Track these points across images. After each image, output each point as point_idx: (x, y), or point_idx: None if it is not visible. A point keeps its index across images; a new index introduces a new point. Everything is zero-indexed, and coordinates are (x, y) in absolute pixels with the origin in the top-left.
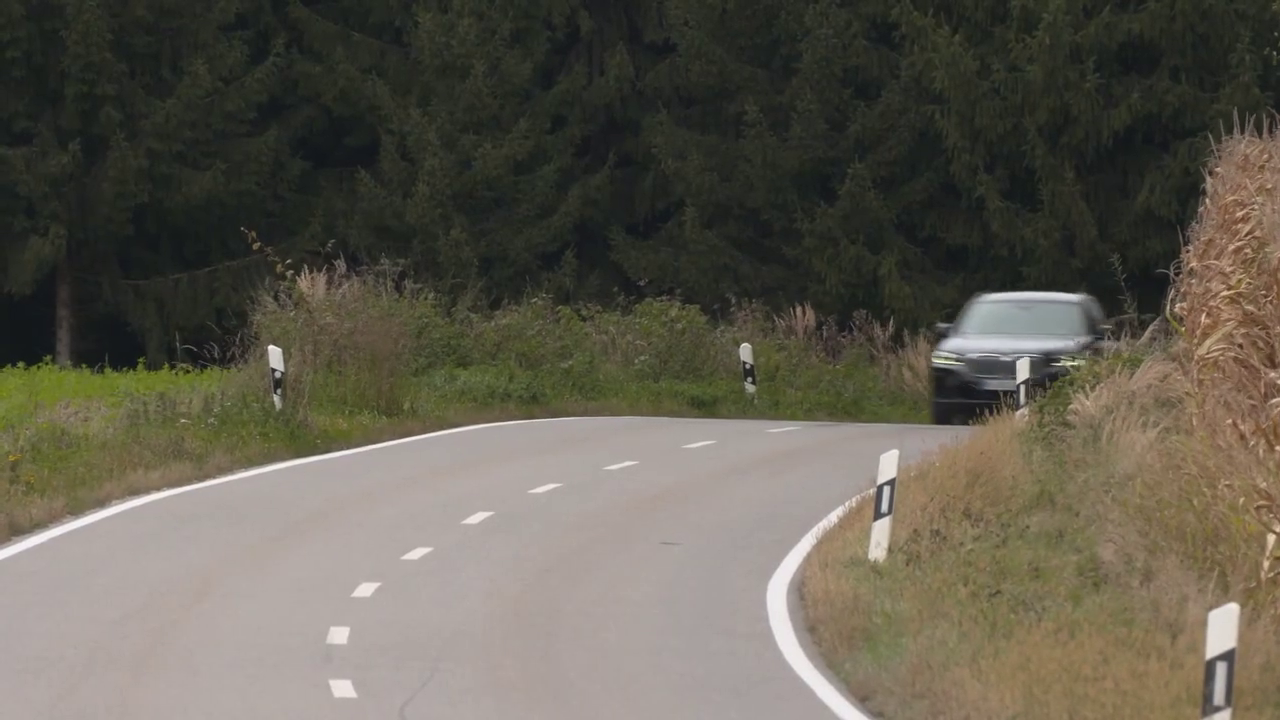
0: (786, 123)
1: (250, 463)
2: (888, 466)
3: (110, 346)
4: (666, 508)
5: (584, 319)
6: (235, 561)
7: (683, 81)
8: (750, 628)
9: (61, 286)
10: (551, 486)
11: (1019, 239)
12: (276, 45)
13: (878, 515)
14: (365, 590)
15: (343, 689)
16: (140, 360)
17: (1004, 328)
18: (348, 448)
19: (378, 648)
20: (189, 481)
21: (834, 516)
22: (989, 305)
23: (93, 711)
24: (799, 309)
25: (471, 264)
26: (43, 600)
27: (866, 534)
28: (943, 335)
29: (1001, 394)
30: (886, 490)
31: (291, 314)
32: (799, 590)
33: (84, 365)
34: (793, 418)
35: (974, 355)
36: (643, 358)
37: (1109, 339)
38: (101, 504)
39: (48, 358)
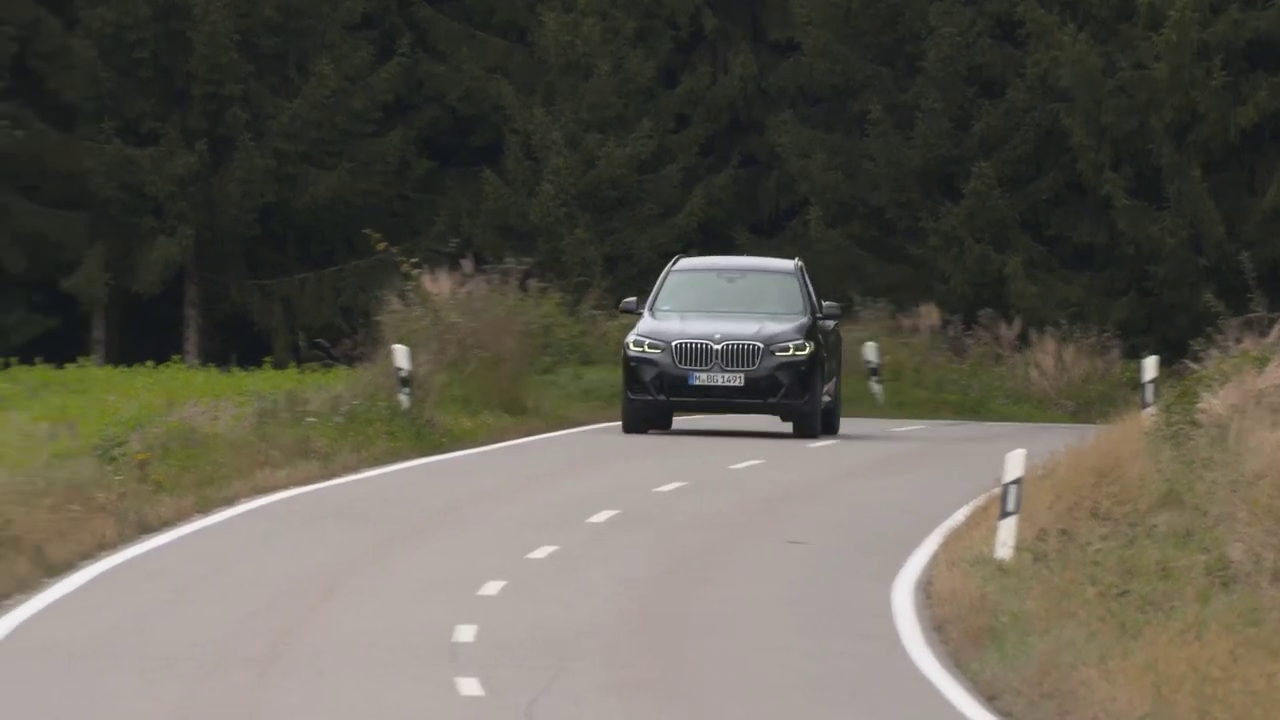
0: (910, 121)
1: (376, 461)
2: (1014, 465)
3: (237, 346)
4: (792, 506)
5: None
6: (361, 560)
7: (807, 80)
8: (876, 627)
9: (189, 286)
10: (676, 485)
11: (1145, 237)
12: (402, 45)
13: (1004, 514)
14: (491, 588)
15: (469, 687)
16: (267, 359)
17: (708, 304)
18: (472, 447)
19: (504, 646)
20: (316, 480)
21: (960, 515)
22: (686, 275)
23: (220, 709)
24: (924, 308)
25: (596, 263)
26: (171, 598)
27: (993, 533)
28: (630, 311)
29: (714, 390)
30: (1013, 489)
31: (417, 313)
32: (925, 589)
33: (212, 364)
34: (918, 417)
35: (678, 341)
36: None
37: (829, 318)
38: (229, 502)
39: (176, 357)
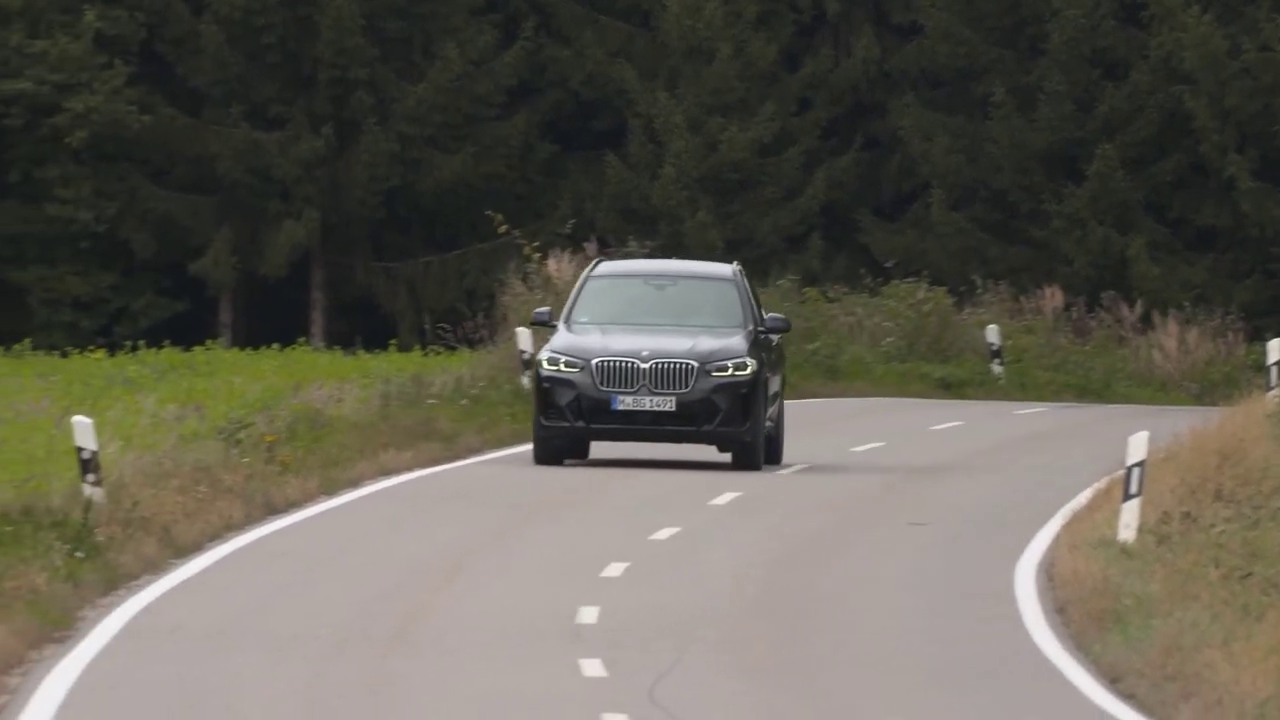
0: (1033, 104)
1: (500, 443)
2: (1137, 448)
3: (363, 328)
4: (914, 489)
5: (830, 301)
6: (485, 542)
7: (929, 63)
8: (999, 609)
9: (315, 269)
10: (798, 467)
11: (1270, 219)
12: (526, 29)
13: (1127, 496)
14: (614, 570)
15: (593, 668)
16: (392, 342)
17: (634, 315)
18: None
19: (627, 627)
20: (440, 462)
21: (1083, 498)
22: (608, 282)
23: (347, 688)
24: (1047, 290)
25: (717, 246)
26: (297, 579)
27: (1115, 515)
28: (542, 323)
29: (640, 416)
30: (1136, 471)
31: (539, 296)
32: (1047, 571)
33: (337, 347)
34: (1040, 399)
35: (599, 359)
36: (889, 339)
37: (772, 331)
38: (354, 484)
39: (302, 340)
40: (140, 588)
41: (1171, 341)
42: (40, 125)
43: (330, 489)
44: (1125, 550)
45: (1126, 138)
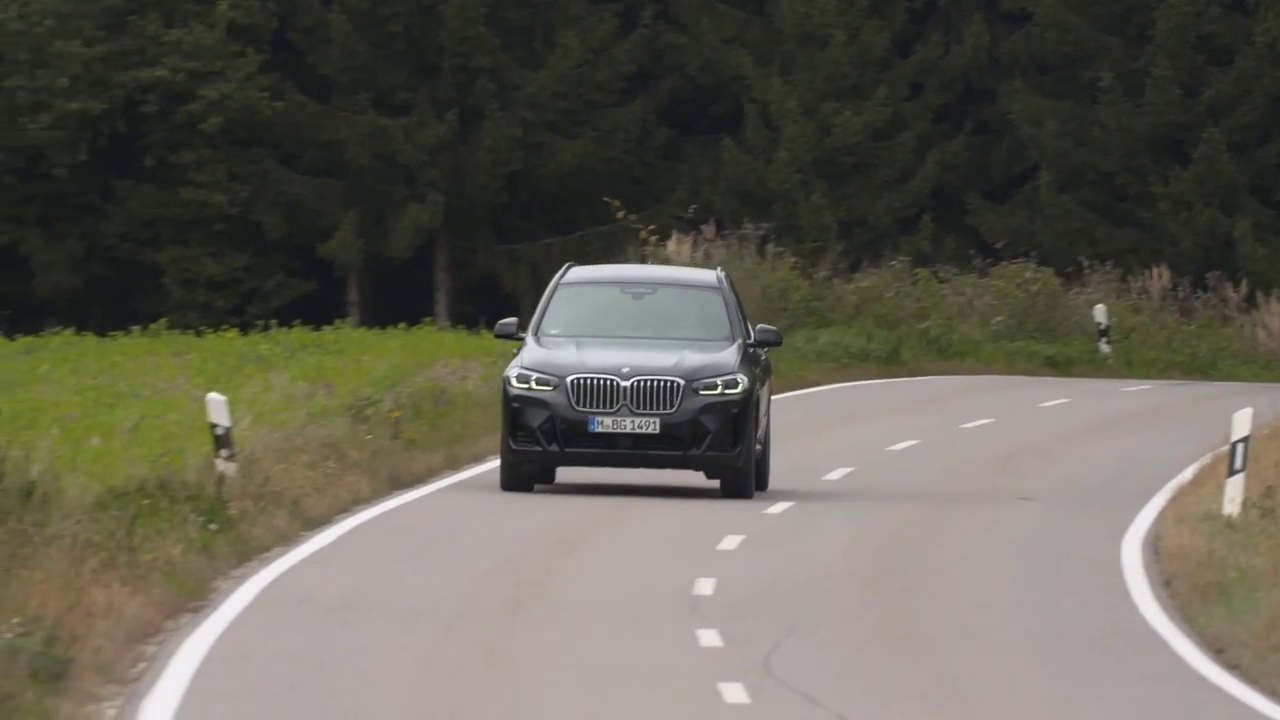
0: (1140, 89)
1: None
2: (1241, 424)
3: (486, 308)
4: (1022, 465)
5: (941, 281)
6: (604, 516)
7: (1038, 49)
8: (1105, 582)
9: (439, 251)
10: (910, 443)
11: None
12: (644, 17)
13: (1231, 471)
14: (729, 543)
15: (709, 639)
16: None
17: (610, 327)
18: None
19: (741, 599)
20: None
21: (1188, 473)
22: (580, 290)
23: (466, 659)
24: (1153, 270)
25: (831, 228)
26: (419, 553)
27: (1220, 490)
28: (509, 336)
29: (620, 440)
30: (1240, 447)
31: None
32: (1153, 545)
33: (461, 326)
34: (1146, 377)
35: (575, 375)
36: (998, 319)
37: (762, 345)
38: (478, 459)
39: (427, 319)
40: (271, 559)
41: (1276, 320)
42: (176, 112)
43: (454, 464)
44: (1230, 524)
45: (1232, 122)
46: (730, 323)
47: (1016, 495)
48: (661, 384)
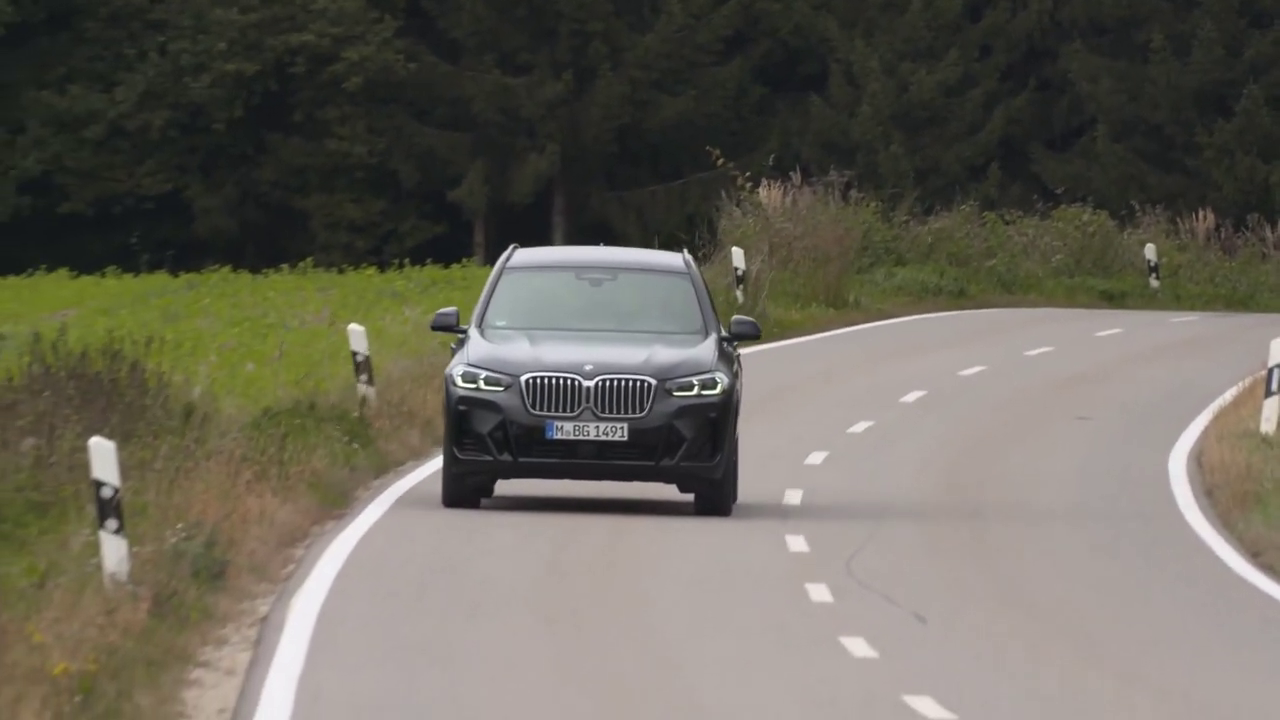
0: (1188, 49)
1: None
2: (1277, 351)
3: None
4: (1080, 388)
5: (1007, 223)
6: None
7: (1096, 13)
8: (1155, 492)
9: (556, 197)
10: (978, 369)
11: None
12: None
13: (1268, 394)
14: (815, 459)
15: (797, 544)
16: None
17: (565, 318)
18: (800, 336)
19: (826, 509)
20: None
21: (1229, 395)
22: (529, 276)
23: (584, 561)
24: (1199, 213)
25: (908, 175)
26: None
27: (1258, 410)
28: (448, 328)
29: (583, 448)
30: (1276, 372)
31: (751, 220)
32: (1197, 459)
33: None
34: (1192, 309)
35: (531, 374)
36: (1058, 257)
37: (737, 338)
38: None
39: None
40: (405, 472)
41: None
42: (321, 73)
43: None
44: (1266, 441)
45: (1271, 78)
46: (702, 313)
47: (1075, 415)
48: (630, 384)
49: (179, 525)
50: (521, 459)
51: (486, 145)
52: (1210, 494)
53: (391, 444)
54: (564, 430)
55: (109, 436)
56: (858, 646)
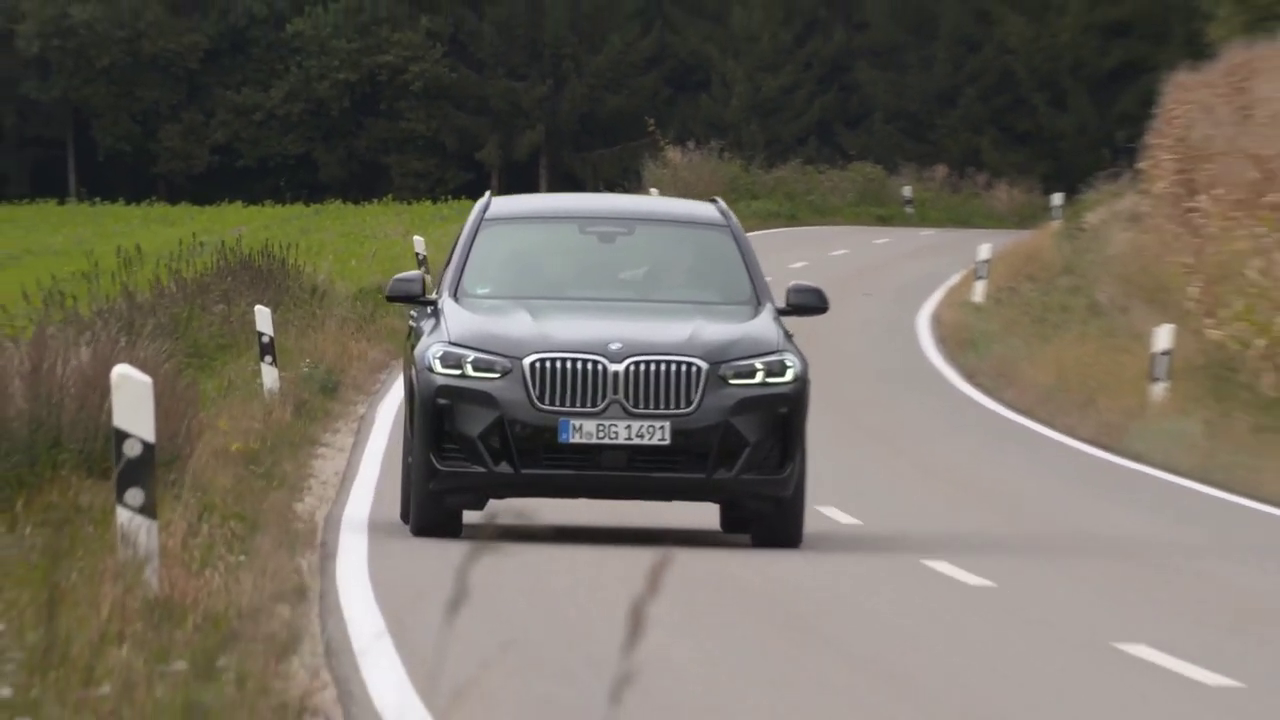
0: (932, 63)
1: None
2: (983, 252)
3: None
4: (865, 275)
5: (820, 173)
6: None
7: (874, 42)
8: (909, 339)
9: (542, 157)
10: (802, 264)
11: None
12: (654, 28)
13: (977, 279)
14: None
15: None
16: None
17: (570, 284)
18: None
19: None
20: None
21: (955, 279)
22: (513, 229)
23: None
24: (937, 167)
25: (760, 144)
26: None
27: (972, 288)
28: (412, 298)
29: (609, 455)
30: (983, 265)
31: (664, 171)
32: (936, 319)
33: None
34: (934, 227)
35: (537, 356)
36: (851, 194)
37: (800, 311)
38: None
39: None
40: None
41: (1002, 196)
42: (396, 79)
43: None
44: (978, 308)
45: (981, 84)
46: (752, 277)
47: (862, 292)
48: (673, 369)
49: (308, 360)
50: (525, 470)
51: (499, 124)
52: (943, 340)
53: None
54: (583, 431)
55: (266, 305)
56: None
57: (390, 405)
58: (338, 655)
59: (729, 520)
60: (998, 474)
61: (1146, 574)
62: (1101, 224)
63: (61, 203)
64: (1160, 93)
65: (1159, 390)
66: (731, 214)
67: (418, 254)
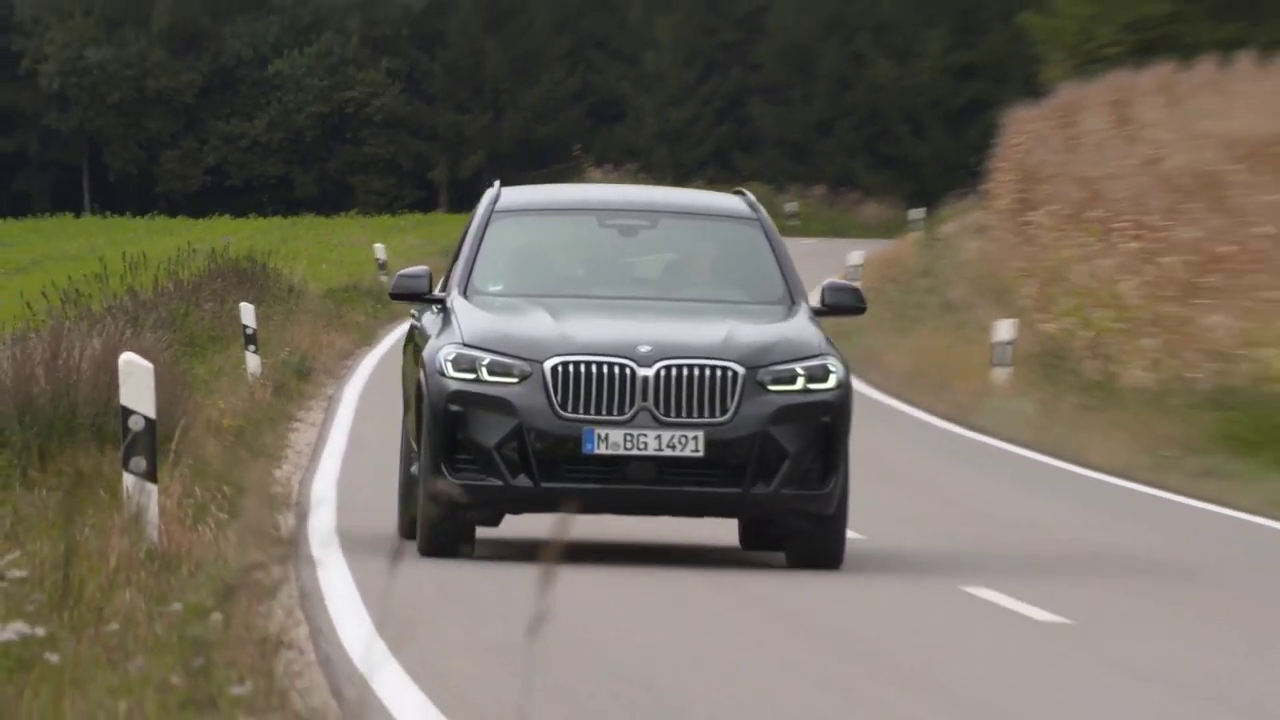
0: (812, 98)
1: None
2: (855, 257)
3: None
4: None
5: (719, 191)
6: None
7: (763, 81)
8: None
9: (484, 176)
10: None
11: None
12: (583, 63)
13: (850, 280)
14: None
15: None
16: None
17: (590, 282)
18: None
19: None
20: None
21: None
22: (526, 221)
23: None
24: (815, 187)
25: (669, 166)
26: None
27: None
28: (418, 296)
29: (638, 468)
30: (856, 270)
31: None
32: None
33: None
34: (814, 236)
35: (559, 359)
36: None
37: (837, 311)
38: None
39: None
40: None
41: (872, 210)
42: (361, 111)
43: None
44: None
45: (856, 117)
46: (785, 275)
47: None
48: (707, 373)
49: (286, 349)
50: (546, 484)
51: (448, 149)
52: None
53: (398, 306)
54: (609, 441)
55: (250, 302)
56: None
57: (355, 387)
58: (310, 598)
59: (751, 537)
60: (869, 444)
61: (995, 531)
62: (954, 234)
63: (77, 216)
64: (1003, 125)
65: (1002, 375)
66: (760, 207)
67: (378, 259)
